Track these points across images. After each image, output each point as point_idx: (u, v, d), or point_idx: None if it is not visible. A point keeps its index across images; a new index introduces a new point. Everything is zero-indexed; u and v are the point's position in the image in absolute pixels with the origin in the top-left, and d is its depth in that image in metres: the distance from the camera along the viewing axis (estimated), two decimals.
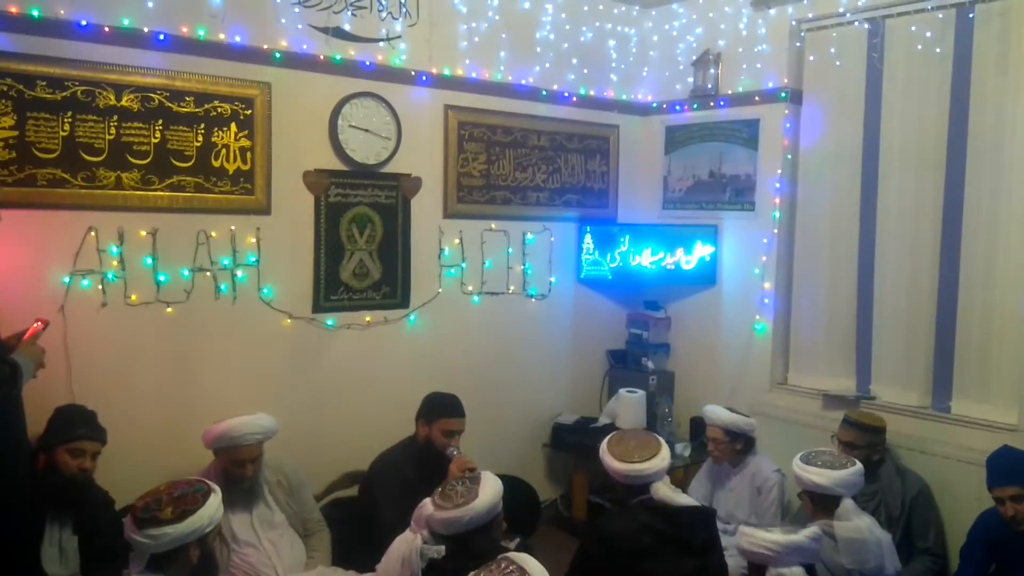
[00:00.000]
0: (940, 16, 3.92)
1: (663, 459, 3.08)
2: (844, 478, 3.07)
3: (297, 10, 3.75)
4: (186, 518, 2.48)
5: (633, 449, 3.07)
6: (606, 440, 3.21)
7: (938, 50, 3.94)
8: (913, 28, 4.00)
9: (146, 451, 3.41)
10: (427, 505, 2.66)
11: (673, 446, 4.53)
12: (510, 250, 4.62)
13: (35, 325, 2.84)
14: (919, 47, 3.99)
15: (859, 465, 3.17)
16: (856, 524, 2.98)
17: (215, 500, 2.60)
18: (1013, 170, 3.75)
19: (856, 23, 4.23)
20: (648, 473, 3.03)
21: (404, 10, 4.10)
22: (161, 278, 3.46)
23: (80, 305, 3.28)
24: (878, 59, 4.14)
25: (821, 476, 2.98)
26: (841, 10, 4.23)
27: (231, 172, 3.63)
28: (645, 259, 4.83)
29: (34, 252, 3.18)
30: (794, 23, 4.48)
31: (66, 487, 2.85)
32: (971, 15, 3.83)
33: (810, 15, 4.40)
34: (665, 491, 3.05)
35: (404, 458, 3.55)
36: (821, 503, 2.95)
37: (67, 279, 3.25)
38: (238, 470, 3.18)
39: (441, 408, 3.58)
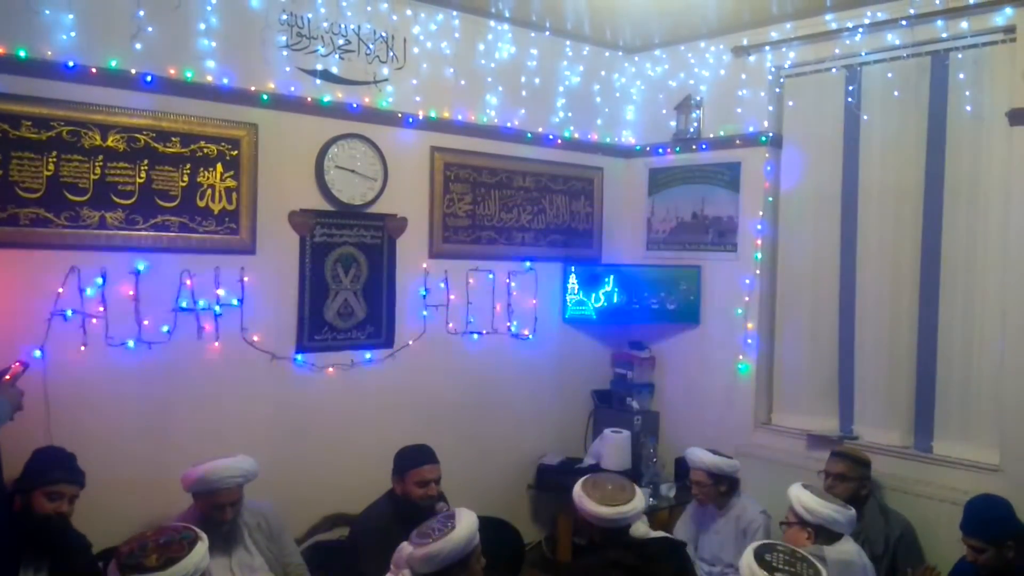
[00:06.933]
0: (915, 63, 4.02)
1: (641, 499, 3.15)
2: (852, 517, 3.24)
3: (285, 53, 3.79)
4: (170, 566, 2.42)
5: (614, 492, 3.09)
6: (580, 485, 3.19)
7: (914, 96, 4.02)
8: (889, 75, 4.09)
9: (125, 494, 3.36)
10: (405, 547, 2.66)
11: (658, 487, 4.52)
12: (495, 290, 4.64)
13: (14, 366, 2.81)
14: (896, 93, 4.08)
15: (852, 510, 3.30)
16: (847, 548, 3.13)
17: (201, 549, 2.55)
18: (989, 213, 3.82)
19: (833, 70, 4.32)
20: (631, 515, 3.08)
21: (391, 53, 4.15)
22: (143, 318, 3.44)
23: (61, 345, 3.25)
24: (855, 105, 4.22)
25: (840, 515, 3.17)
26: (818, 57, 4.32)
27: (216, 212, 3.63)
28: (629, 299, 4.86)
29: (15, 292, 3.16)
30: (773, 69, 4.56)
31: (42, 530, 2.80)
32: (946, 63, 3.92)
33: (788, 62, 4.49)
34: (642, 528, 3.13)
35: (388, 516, 3.39)
36: (825, 535, 3.15)
37: (48, 319, 3.22)
38: (217, 513, 3.13)
39: (410, 459, 3.44)
